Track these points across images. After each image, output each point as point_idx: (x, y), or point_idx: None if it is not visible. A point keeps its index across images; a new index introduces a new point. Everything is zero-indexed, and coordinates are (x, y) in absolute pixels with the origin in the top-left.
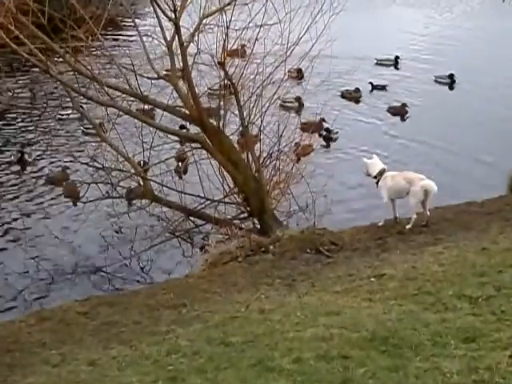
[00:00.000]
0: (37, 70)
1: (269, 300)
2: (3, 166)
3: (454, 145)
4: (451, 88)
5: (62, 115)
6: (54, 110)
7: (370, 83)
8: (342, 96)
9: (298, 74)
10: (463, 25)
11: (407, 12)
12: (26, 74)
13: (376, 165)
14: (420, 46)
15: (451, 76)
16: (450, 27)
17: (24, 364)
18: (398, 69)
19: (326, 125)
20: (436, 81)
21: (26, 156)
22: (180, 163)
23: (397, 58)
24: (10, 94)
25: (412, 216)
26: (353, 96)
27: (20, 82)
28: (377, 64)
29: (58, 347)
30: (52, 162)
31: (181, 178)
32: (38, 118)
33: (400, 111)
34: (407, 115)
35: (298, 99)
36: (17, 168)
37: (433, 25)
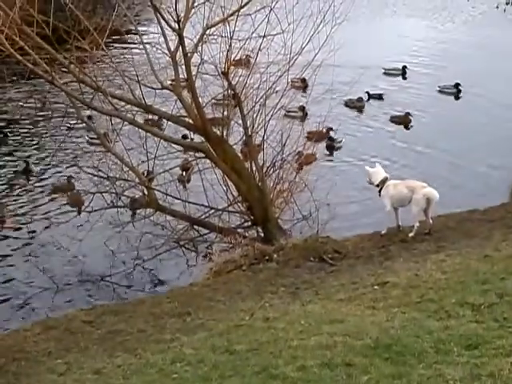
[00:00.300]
0: (41, 80)
1: (273, 308)
2: (9, 175)
3: (456, 153)
4: (457, 98)
5: (71, 124)
6: (59, 120)
7: (367, 92)
8: (346, 105)
9: (303, 84)
10: (465, 34)
11: (409, 22)
12: (30, 84)
13: (378, 173)
14: (423, 56)
15: (457, 85)
16: (452, 37)
17: (29, 373)
18: (405, 78)
19: (330, 133)
20: (441, 91)
21: (32, 166)
22: (184, 172)
23: (404, 67)
24: (19, 104)
25: (415, 224)
26: (356, 105)
27: (25, 91)
28: (384, 74)
29: (64, 356)
30: (57, 172)
31: (185, 187)
32: (43, 128)
33: (404, 120)
34: (411, 124)
35: (302, 108)
36: (22, 177)
37: (435, 34)
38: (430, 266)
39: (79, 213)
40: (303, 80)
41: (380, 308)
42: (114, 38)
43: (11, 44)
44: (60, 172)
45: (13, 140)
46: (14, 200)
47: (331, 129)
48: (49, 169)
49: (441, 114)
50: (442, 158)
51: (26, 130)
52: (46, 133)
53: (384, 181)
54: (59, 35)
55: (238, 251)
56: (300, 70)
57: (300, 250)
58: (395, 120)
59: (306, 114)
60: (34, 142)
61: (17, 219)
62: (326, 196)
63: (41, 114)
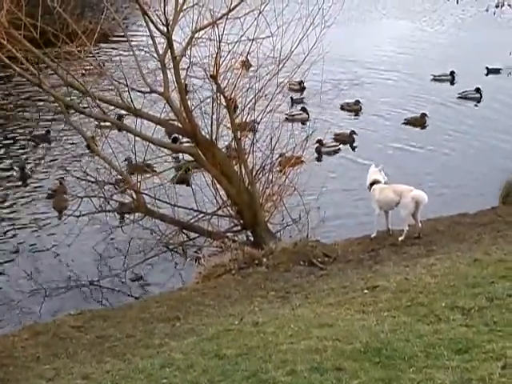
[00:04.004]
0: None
1: (262, 312)
2: (3, 181)
3: (455, 157)
4: (478, 102)
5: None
6: (47, 123)
7: (291, 98)
8: (342, 108)
9: (300, 86)
10: (457, 36)
11: (398, 25)
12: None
13: (371, 175)
14: (417, 58)
15: (478, 90)
16: (443, 39)
17: (18, 378)
18: (453, 84)
19: (325, 138)
20: (461, 97)
21: (28, 171)
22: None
23: (452, 73)
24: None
25: (404, 228)
26: (353, 108)
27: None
28: (433, 80)
29: (52, 361)
30: (47, 176)
31: (188, 185)
32: (31, 132)
33: (419, 122)
34: (426, 124)
35: (305, 109)
36: (17, 183)
37: (427, 37)
38: (419, 269)
39: (60, 218)
40: (300, 82)
41: (370, 312)
42: (102, 41)
43: None
44: (50, 176)
45: (5, 143)
46: (4, 204)
47: (354, 132)
48: (41, 173)
49: (454, 118)
50: (440, 162)
51: (14, 135)
52: (36, 137)
53: (372, 183)
54: (47, 38)
55: (227, 255)
56: (289, 72)
57: (290, 254)
58: (410, 121)
59: (309, 115)
60: (24, 147)
61: (5, 224)
62: (316, 200)
63: (29, 117)
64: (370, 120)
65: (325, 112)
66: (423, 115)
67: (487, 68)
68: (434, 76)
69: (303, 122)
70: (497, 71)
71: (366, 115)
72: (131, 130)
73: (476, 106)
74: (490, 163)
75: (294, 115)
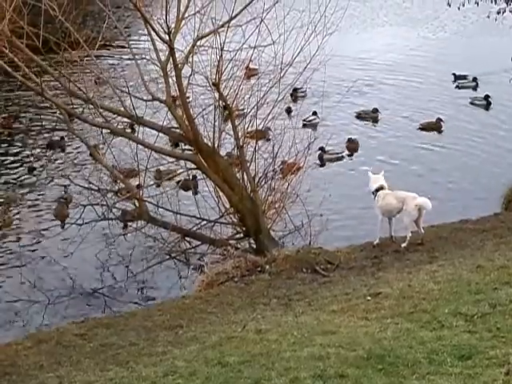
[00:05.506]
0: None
1: (265, 320)
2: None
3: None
4: (487, 109)
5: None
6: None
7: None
8: (358, 116)
9: (294, 93)
10: (459, 42)
11: (401, 32)
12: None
13: (375, 181)
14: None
15: (487, 97)
16: (447, 46)
17: None
18: (476, 90)
19: (322, 144)
20: (472, 103)
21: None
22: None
23: (475, 78)
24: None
25: (407, 234)
26: (371, 116)
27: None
28: (457, 87)
29: (55, 369)
30: (56, 183)
31: (196, 192)
32: (34, 140)
33: (435, 126)
34: (442, 129)
35: (315, 113)
36: (24, 189)
37: (429, 44)
38: (422, 276)
39: (63, 226)
40: (294, 89)
41: (373, 319)
42: (104, 49)
43: (0, 56)
44: (57, 183)
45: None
46: (9, 211)
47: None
48: (46, 180)
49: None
50: (445, 167)
51: (25, 141)
52: (50, 143)
53: (377, 190)
54: (49, 47)
55: (230, 263)
56: (291, 80)
57: (292, 261)
58: (425, 127)
59: (319, 119)
60: (26, 155)
61: (7, 232)
62: (319, 207)
63: (31, 126)
64: (383, 127)
65: (340, 120)
66: (438, 120)
67: (454, 75)
68: (458, 83)
69: (316, 126)
70: (464, 78)
71: (379, 122)
72: (133, 138)
73: (485, 111)
74: (492, 169)
75: (310, 120)
